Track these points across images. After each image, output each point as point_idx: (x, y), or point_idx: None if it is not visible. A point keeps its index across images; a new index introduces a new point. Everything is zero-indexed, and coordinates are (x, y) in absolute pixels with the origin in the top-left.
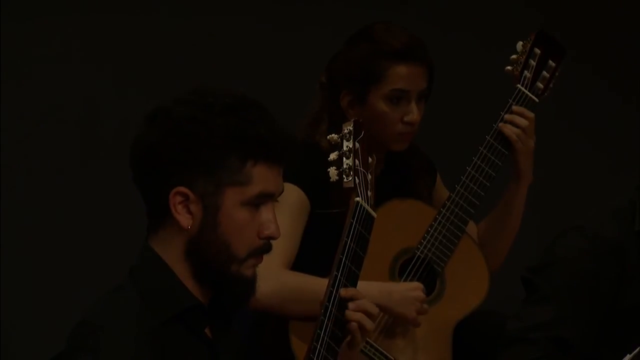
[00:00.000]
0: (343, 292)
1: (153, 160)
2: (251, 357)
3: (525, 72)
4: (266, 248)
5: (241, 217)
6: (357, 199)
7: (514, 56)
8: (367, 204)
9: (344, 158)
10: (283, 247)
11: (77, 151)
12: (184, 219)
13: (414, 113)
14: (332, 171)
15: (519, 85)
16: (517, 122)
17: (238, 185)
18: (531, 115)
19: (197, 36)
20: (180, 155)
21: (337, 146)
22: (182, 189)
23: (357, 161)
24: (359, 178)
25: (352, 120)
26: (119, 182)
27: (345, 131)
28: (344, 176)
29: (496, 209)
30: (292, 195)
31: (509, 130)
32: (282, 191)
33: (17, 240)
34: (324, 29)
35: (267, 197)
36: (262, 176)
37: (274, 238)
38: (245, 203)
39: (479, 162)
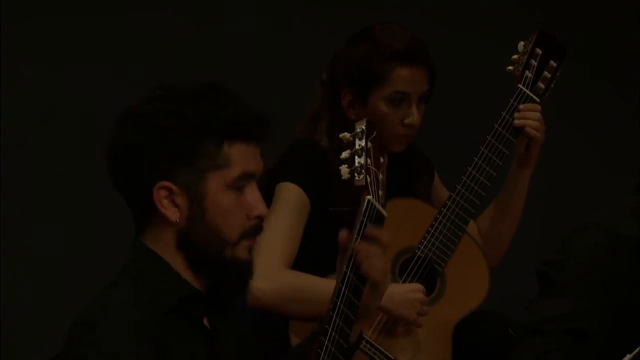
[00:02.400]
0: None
1: (131, 161)
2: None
3: (527, 72)
4: (258, 228)
5: (227, 201)
6: (369, 197)
7: (515, 56)
8: (378, 203)
9: (356, 156)
10: (283, 247)
11: (77, 151)
12: (172, 213)
13: (414, 116)
14: (344, 169)
15: (520, 85)
16: (530, 117)
17: (219, 169)
18: (539, 106)
19: (196, 36)
20: (157, 151)
21: (349, 144)
22: (164, 183)
23: (369, 160)
24: (370, 177)
25: (365, 119)
26: None
27: (358, 130)
28: (355, 174)
29: (498, 198)
30: (292, 195)
31: (528, 128)
32: (262, 170)
33: (17, 240)
34: (323, 28)
35: (249, 177)
36: (240, 156)
37: (263, 217)
38: (229, 186)
39: (480, 162)
